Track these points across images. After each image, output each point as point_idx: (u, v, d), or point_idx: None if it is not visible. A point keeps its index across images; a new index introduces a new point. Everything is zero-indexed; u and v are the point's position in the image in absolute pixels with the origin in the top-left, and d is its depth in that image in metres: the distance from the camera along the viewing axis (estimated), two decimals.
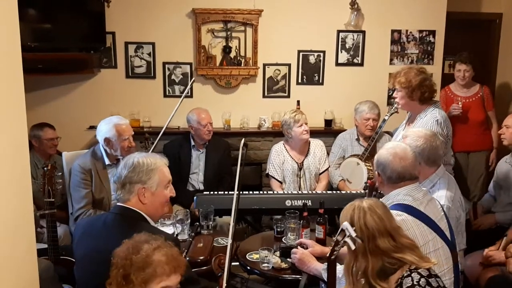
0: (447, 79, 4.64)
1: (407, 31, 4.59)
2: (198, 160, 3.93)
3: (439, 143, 2.55)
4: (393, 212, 2.16)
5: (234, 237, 3.22)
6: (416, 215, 2.16)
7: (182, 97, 3.61)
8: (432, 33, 4.61)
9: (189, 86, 3.68)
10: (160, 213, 2.25)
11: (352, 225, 1.77)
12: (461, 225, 2.59)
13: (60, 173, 2.91)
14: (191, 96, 4.34)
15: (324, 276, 2.32)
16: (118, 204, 2.11)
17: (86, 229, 2.10)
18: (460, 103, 4.17)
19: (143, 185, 2.08)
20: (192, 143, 3.93)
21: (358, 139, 4.02)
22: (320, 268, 2.38)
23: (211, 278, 2.41)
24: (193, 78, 3.74)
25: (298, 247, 2.61)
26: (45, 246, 2.77)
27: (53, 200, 2.78)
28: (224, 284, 1.91)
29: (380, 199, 2.37)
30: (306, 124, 3.73)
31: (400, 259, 1.79)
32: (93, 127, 3.88)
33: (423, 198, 2.25)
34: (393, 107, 3.80)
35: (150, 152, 3.43)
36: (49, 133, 3.66)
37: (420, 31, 4.60)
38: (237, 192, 2.10)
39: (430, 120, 2.96)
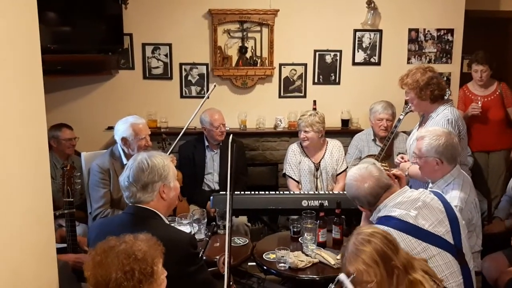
0: (466, 78, 4.58)
1: (424, 29, 4.54)
2: (212, 161, 3.94)
3: (457, 140, 2.57)
4: (380, 227, 2.18)
5: (250, 238, 3.26)
6: (401, 228, 2.18)
7: (202, 101, 3.61)
8: (450, 31, 4.56)
9: (210, 91, 3.69)
10: (174, 206, 2.32)
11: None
12: (474, 226, 2.56)
13: (79, 173, 2.95)
14: (207, 97, 4.35)
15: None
16: (131, 204, 2.12)
17: (102, 230, 2.12)
18: (479, 102, 4.11)
19: (164, 182, 2.12)
20: (206, 143, 3.94)
21: (374, 140, 3.98)
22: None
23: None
24: (215, 84, 3.75)
25: None
26: (64, 245, 2.81)
27: (72, 200, 2.82)
28: (225, 285, 1.91)
29: (430, 186, 2.49)
30: (306, 132, 3.70)
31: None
32: (111, 128, 3.92)
33: (414, 203, 2.24)
34: (408, 106, 3.76)
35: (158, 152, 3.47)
36: (67, 134, 3.71)
37: (438, 30, 4.55)
38: (230, 192, 2.13)
39: (441, 119, 2.93)
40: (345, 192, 3.54)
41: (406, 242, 2.18)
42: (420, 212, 2.25)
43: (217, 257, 2.54)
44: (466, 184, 2.55)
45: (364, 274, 1.69)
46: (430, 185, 2.64)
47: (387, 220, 2.25)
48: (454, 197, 2.46)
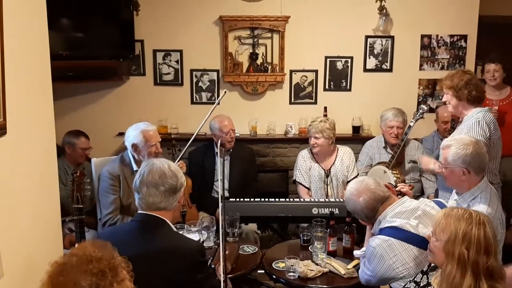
0: None
1: (437, 35, 4.50)
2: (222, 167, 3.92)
3: (485, 150, 2.47)
4: (381, 237, 2.26)
5: (260, 245, 3.24)
6: (403, 237, 2.20)
7: (213, 108, 3.60)
8: (464, 37, 4.51)
9: (220, 98, 3.68)
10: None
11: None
12: (498, 242, 2.48)
13: (88, 180, 2.95)
14: (217, 103, 4.35)
15: None
16: (140, 212, 2.11)
17: (111, 238, 2.09)
18: (496, 106, 4.07)
19: (183, 188, 2.14)
20: (216, 150, 3.93)
21: (385, 147, 3.94)
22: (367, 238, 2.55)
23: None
24: (225, 90, 3.74)
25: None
26: None
27: (82, 206, 2.83)
28: None
29: (456, 199, 2.46)
30: (316, 138, 3.67)
31: None
32: (122, 134, 3.93)
33: (412, 215, 2.29)
34: (418, 113, 3.73)
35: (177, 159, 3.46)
36: (84, 143, 3.73)
37: (451, 36, 4.50)
38: (222, 203, 2.08)
39: (472, 120, 2.94)
40: None
41: (408, 251, 2.22)
42: (421, 221, 2.27)
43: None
44: (494, 199, 2.43)
45: (444, 235, 1.72)
46: (455, 196, 2.54)
47: (388, 231, 2.27)
48: (481, 212, 2.41)
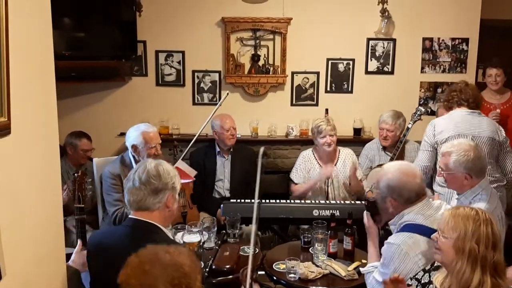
0: (481, 87, 4.50)
1: (439, 39, 4.50)
2: (223, 167, 3.93)
3: (484, 154, 2.53)
4: (404, 234, 2.21)
5: (260, 247, 3.24)
6: (428, 235, 2.15)
7: (215, 109, 3.60)
8: (465, 41, 4.51)
9: (222, 100, 3.67)
10: (173, 218, 2.27)
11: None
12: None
13: (90, 179, 2.95)
14: (220, 105, 4.36)
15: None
16: (130, 216, 2.06)
17: (101, 242, 2.07)
18: (498, 109, 4.08)
19: (172, 192, 2.08)
20: (217, 149, 3.93)
21: (384, 148, 3.94)
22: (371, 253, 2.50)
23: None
24: (227, 92, 3.74)
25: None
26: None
27: (83, 206, 2.83)
28: None
29: (391, 221, 2.37)
30: (331, 135, 3.63)
31: None
32: (123, 134, 3.94)
33: (435, 213, 2.25)
34: (416, 115, 3.73)
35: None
36: (86, 144, 3.73)
37: (453, 39, 4.51)
38: (258, 201, 2.07)
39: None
40: (357, 202, 3.53)
41: (432, 249, 2.15)
42: None
43: (227, 266, 2.51)
44: (494, 197, 2.50)
45: (453, 233, 1.76)
46: (456, 195, 2.59)
47: (413, 228, 2.21)
48: (480, 208, 2.43)
